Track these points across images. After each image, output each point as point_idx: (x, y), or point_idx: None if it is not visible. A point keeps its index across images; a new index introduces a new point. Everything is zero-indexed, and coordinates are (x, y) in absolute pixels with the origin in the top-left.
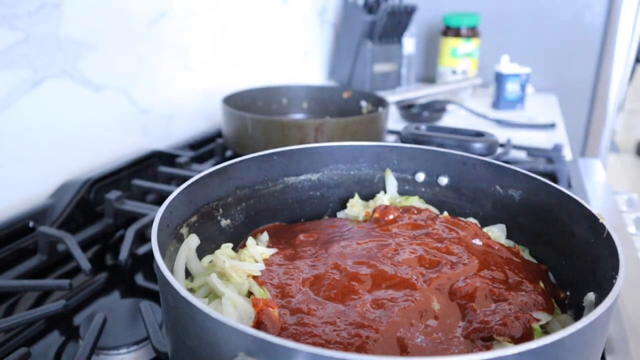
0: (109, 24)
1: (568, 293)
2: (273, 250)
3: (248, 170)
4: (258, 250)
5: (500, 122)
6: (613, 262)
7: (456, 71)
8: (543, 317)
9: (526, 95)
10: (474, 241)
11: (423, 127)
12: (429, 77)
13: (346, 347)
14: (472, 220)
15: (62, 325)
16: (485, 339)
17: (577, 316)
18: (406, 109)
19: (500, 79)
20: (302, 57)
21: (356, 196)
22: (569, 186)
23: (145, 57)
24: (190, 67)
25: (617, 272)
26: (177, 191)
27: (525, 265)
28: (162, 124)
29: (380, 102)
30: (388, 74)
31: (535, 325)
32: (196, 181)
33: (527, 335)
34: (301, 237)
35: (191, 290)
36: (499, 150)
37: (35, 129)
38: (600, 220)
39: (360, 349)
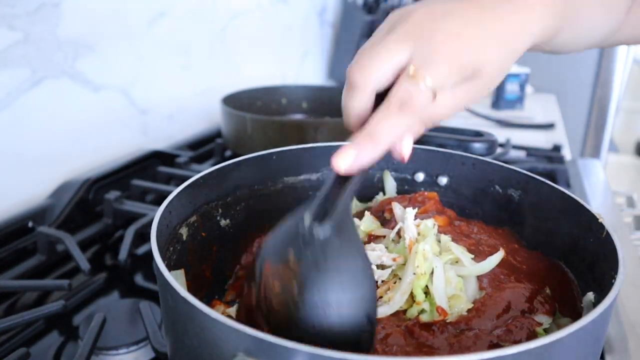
0: (108, 24)
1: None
2: None
3: (247, 171)
4: None
5: (499, 122)
6: (612, 261)
7: None
8: (545, 321)
9: (525, 95)
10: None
11: None
12: None
13: None
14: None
15: (61, 325)
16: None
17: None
18: None
19: None
20: (302, 57)
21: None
22: (568, 186)
23: (145, 57)
24: (189, 67)
25: (616, 272)
26: (176, 191)
27: (529, 266)
28: (162, 124)
29: None
30: None
31: (540, 330)
32: (195, 181)
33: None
34: None
35: None
36: (499, 150)
37: (34, 128)
38: (600, 220)
39: None
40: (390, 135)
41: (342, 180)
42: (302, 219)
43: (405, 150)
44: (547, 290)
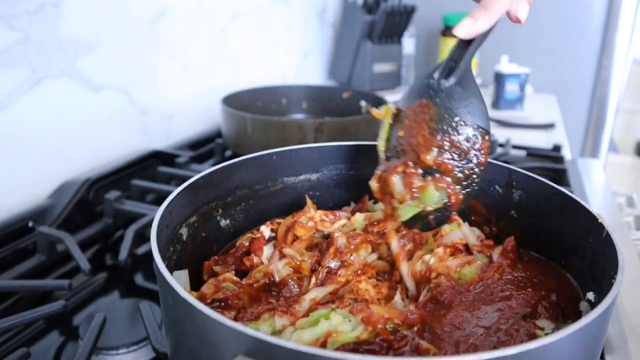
0: (109, 24)
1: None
2: None
3: (247, 171)
4: None
5: (499, 122)
6: (612, 262)
7: None
8: (547, 326)
9: (525, 95)
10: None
11: None
12: None
13: None
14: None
15: (61, 325)
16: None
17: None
18: None
19: (499, 79)
20: (302, 57)
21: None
22: (568, 186)
23: (145, 57)
24: (190, 67)
25: (616, 272)
26: (176, 191)
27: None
28: (162, 124)
29: (380, 102)
30: (388, 74)
31: (540, 333)
32: (196, 181)
33: None
34: None
35: None
36: (499, 150)
37: (34, 128)
38: (600, 220)
39: None
40: (500, 5)
41: (464, 44)
42: (432, 75)
43: (520, 14)
44: (554, 297)
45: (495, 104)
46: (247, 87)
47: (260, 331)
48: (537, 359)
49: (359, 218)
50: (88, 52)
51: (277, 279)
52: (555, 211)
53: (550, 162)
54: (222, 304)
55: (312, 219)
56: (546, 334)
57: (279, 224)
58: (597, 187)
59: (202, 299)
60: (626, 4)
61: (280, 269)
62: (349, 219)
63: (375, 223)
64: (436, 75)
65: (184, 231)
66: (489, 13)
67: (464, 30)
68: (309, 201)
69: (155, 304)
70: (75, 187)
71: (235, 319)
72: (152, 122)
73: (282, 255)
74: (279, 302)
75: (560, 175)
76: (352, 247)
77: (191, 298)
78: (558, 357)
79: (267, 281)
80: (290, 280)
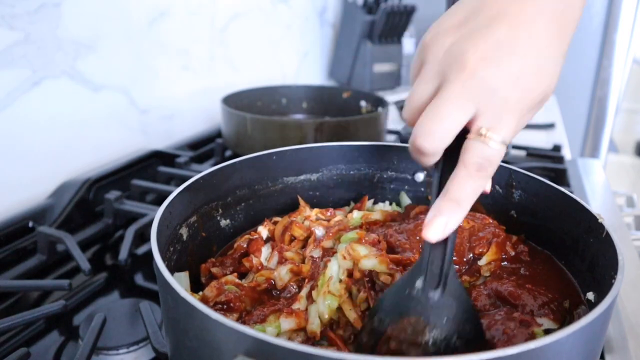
0: (109, 24)
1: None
2: None
3: (247, 171)
4: None
5: None
6: (612, 262)
7: None
8: (547, 324)
9: None
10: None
11: None
12: None
13: None
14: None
15: (61, 325)
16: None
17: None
18: None
19: None
20: (302, 57)
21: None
22: (568, 186)
23: (145, 57)
24: (190, 67)
25: (616, 272)
26: (176, 191)
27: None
28: (162, 124)
29: (380, 102)
30: (388, 74)
31: (538, 330)
32: (196, 181)
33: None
34: None
35: None
36: None
37: (34, 128)
38: (600, 220)
39: None
40: (474, 196)
41: (437, 243)
42: (414, 285)
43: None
44: (566, 304)
45: None
46: (247, 87)
47: (267, 333)
48: (537, 359)
49: (356, 215)
50: (88, 52)
51: (279, 285)
52: (555, 211)
53: (550, 162)
54: (225, 306)
55: (308, 217)
56: (544, 331)
57: (274, 223)
58: (597, 187)
59: (204, 301)
60: (626, 4)
61: (283, 276)
62: (346, 216)
63: (373, 222)
64: (419, 284)
65: (184, 231)
66: (462, 208)
67: (437, 234)
68: (301, 201)
69: (155, 304)
70: (75, 187)
71: (244, 322)
72: (152, 122)
73: (282, 257)
74: (279, 302)
75: (560, 175)
76: (330, 234)
77: (191, 298)
78: (558, 357)
79: (268, 286)
80: (290, 283)
